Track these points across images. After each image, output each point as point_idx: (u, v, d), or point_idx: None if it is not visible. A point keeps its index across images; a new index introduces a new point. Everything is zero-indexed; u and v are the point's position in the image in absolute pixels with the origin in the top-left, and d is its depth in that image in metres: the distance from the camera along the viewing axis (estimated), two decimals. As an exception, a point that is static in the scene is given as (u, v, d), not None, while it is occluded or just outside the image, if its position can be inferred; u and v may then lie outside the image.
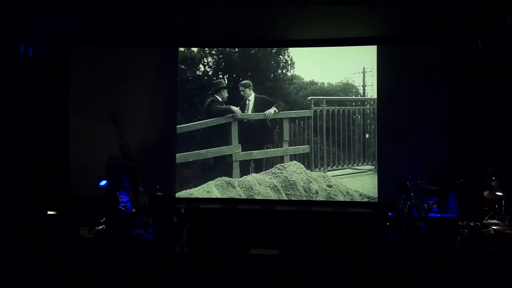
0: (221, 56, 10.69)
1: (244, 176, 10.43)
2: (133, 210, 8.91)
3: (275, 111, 10.36)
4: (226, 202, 10.31)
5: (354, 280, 5.02)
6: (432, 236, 8.00)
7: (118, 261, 7.43)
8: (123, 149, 9.68)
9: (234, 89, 10.52)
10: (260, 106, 10.43)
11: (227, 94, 10.50)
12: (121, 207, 8.81)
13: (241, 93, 10.47)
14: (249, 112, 10.46)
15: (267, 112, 10.37)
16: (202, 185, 10.48)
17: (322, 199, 10.16)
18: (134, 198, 9.03)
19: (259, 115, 10.43)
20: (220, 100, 10.50)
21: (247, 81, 10.48)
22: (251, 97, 10.47)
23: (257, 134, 10.48)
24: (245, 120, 10.46)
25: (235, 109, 10.43)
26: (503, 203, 8.39)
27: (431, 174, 8.75)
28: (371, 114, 10.21)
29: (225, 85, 10.54)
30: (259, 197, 10.29)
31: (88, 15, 8.89)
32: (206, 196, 10.42)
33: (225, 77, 10.61)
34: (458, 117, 9.49)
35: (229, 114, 10.43)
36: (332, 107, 10.33)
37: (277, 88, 10.46)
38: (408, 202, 8.43)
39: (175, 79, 10.60)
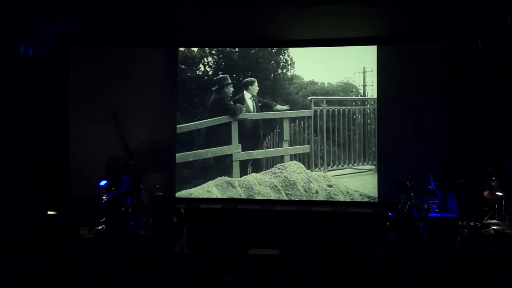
0: (221, 56, 10.69)
1: (244, 176, 10.43)
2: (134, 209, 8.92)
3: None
4: (226, 202, 10.31)
5: (354, 280, 5.02)
6: (432, 236, 8.01)
7: (118, 261, 7.44)
8: (129, 147, 9.68)
9: (234, 88, 10.52)
10: (259, 105, 10.45)
11: (232, 89, 10.50)
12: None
13: (246, 91, 10.46)
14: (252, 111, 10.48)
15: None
16: (202, 185, 10.48)
17: (322, 199, 10.16)
18: (137, 196, 9.01)
19: (260, 115, 10.44)
20: (227, 97, 10.50)
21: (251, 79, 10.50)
22: (251, 96, 10.48)
23: (257, 134, 10.48)
24: (247, 119, 10.46)
25: (240, 106, 10.46)
26: (503, 203, 8.38)
27: (442, 172, 8.72)
28: (371, 114, 10.21)
29: (230, 81, 10.53)
30: (259, 197, 10.29)
31: (88, 16, 8.89)
32: (206, 196, 10.42)
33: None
34: (458, 117, 9.49)
35: (240, 111, 10.42)
36: (332, 107, 10.32)
37: (277, 88, 10.46)
38: (408, 202, 8.44)
39: (175, 79, 10.61)
